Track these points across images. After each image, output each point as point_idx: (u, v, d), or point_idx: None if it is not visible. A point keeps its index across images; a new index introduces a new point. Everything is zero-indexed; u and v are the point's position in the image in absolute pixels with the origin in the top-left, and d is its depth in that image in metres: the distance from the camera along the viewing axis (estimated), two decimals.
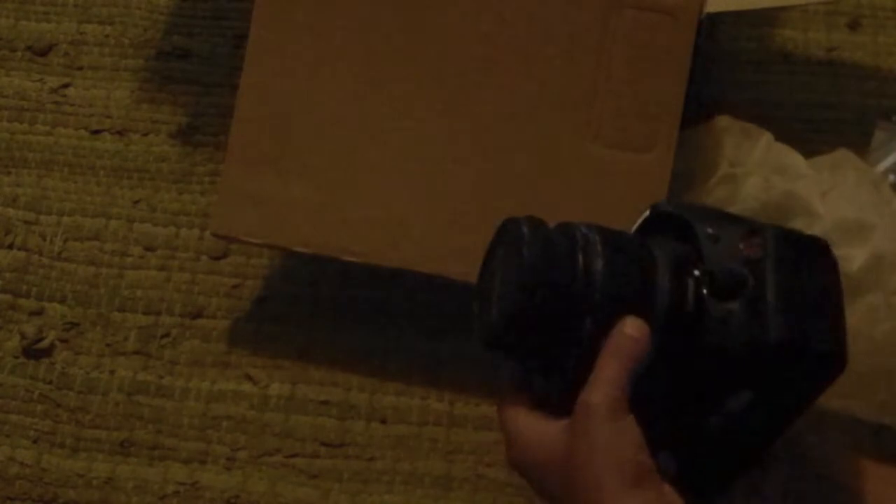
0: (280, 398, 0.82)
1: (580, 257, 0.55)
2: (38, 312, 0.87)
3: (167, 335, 0.86)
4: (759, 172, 0.79)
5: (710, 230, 0.56)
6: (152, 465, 0.81)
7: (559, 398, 0.56)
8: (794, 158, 0.80)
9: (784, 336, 0.53)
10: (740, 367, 0.53)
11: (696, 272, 0.55)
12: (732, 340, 0.53)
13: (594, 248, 0.55)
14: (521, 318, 0.55)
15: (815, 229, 0.76)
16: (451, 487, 0.78)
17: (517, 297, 0.55)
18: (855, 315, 0.72)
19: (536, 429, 0.56)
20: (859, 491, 0.71)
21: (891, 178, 0.83)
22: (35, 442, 0.82)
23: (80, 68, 1.00)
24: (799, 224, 0.76)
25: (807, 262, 0.55)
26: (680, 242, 0.57)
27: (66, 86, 0.99)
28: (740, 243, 0.55)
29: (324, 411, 0.82)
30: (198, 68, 0.99)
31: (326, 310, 0.86)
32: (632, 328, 0.54)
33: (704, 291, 0.54)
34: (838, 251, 0.75)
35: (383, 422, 0.81)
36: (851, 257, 0.74)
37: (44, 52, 1.01)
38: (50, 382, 0.84)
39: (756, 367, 0.53)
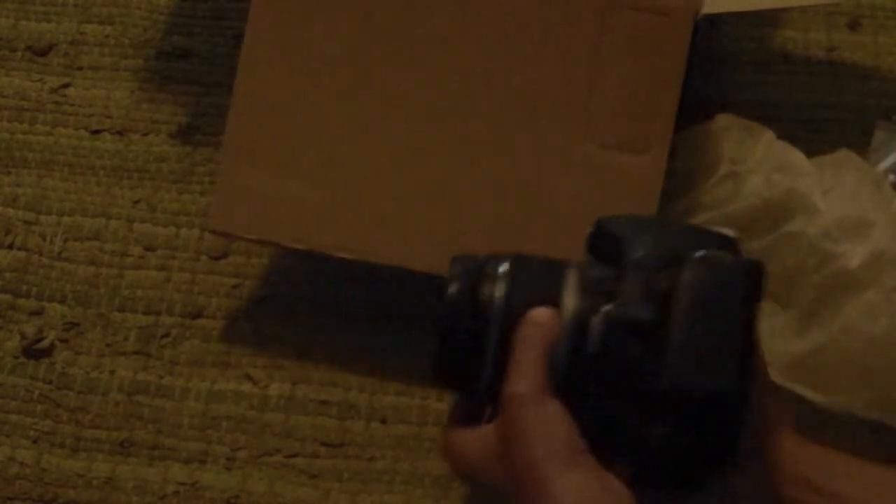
0: (280, 398, 0.82)
1: (486, 288, 0.58)
2: (38, 312, 0.87)
3: (167, 335, 0.86)
4: (761, 170, 0.79)
5: (638, 254, 0.55)
6: (152, 465, 0.81)
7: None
8: (795, 156, 0.80)
9: (675, 382, 0.52)
10: (642, 405, 0.53)
11: (605, 307, 0.55)
12: (631, 379, 0.53)
13: (502, 277, 0.58)
14: (440, 361, 0.60)
15: (816, 226, 0.76)
16: (451, 487, 0.78)
17: (436, 342, 0.59)
18: (854, 312, 0.73)
19: (473, 436, 0.58)
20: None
21: (891, 177, 0.83)
22: (35, 442, 0.82)
23: (80, 68, 1.00)
24: (800, 221, 0.77)
25: (720, 293, 0.54)
26: (607, 267, 0.56)
27: (66, 86, 0.99)
28: (660, 273, 0.54)
29: (324, 411, 0.82)
30: (198, 68, 0.99)
31: (326, 310, 0.85)
32: (538, 315, 0.56)
33: (607, 328, 0.54)
34: (839, 248, 0.75)
35: (383, 422, 0.81)
36: (851, 254, 0.74)
37: (44, 52, 1.01)
38: (50, 382, 0.84)
39: (656, 407, 0.53)
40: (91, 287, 0.88)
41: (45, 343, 0.86)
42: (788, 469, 0.57)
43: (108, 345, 0.86)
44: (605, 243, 0.58)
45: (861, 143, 0.86)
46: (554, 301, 0.56)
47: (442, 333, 0.59)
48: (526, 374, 0.55)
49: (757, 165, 0.79)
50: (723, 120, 0.82)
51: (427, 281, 0.79)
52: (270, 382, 0.83)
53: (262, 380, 0.83)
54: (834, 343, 0.73)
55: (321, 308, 0.86)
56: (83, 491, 0.80)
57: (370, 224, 0.79)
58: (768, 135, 0.81)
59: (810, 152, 0.82)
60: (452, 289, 0.59)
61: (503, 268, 0.58)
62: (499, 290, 0.58)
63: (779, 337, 0.76)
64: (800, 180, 0.78)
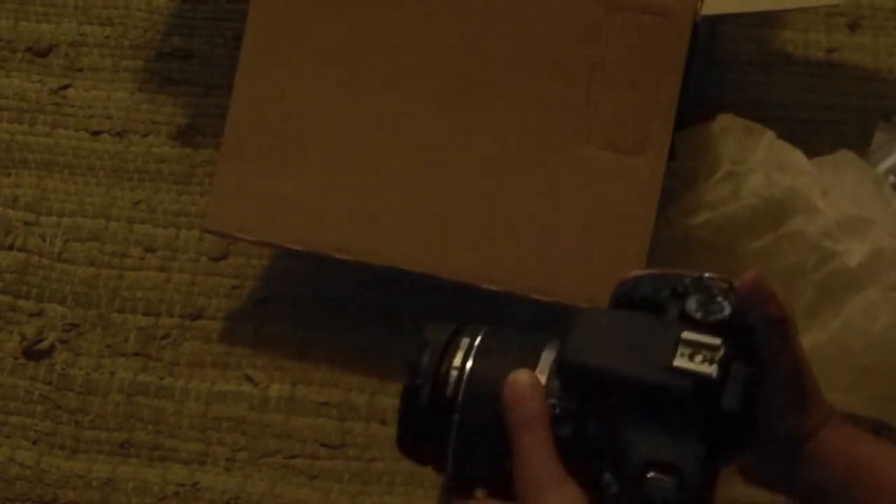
0: (280, 399, 0.82)
1: (453, 362, 0.55)
2: (38, 313, 0.87)
3: (167, 336, 0.86)
4: (761, 170, 0.79)
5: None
6: (152, 466, 0.80)
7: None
8: (795, 156, 0.80)
9: None
10: None
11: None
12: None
13: (469, 352, 0.55)
14: (404, 435, 0.56)
15: (816, 226, 0.76)
16: None
17: (399, 415, 0.56)
18: (854, 310, 0.73)
19: None
20: None
21: (891, 178, 0.83)
22: (35, 443, 0.82)
23: (81, 69, 1.00)
24: (800, 220, 0.77)
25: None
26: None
27: (66, 87, 0.99)
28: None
29: (324, 412, 0.82)
30: (198, 69, 0.99)
31: (326, 310, 0.85)
32: (522, 385, 0.52)
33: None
34: (838, 247, 0.75)
35: (383, 422, 0.81)
36: (851, 253, 0.74)
37: (44, 53, 1.01)
38: (50, 383, 0.84)
39: None
40: (91, 288, 0.88)
41: (45, 344, 0.86)
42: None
43: (108, 346, 0.86)
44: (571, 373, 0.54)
45: (861, 144, 0.86)
46: None
47: (405, 407, 0.56)
48: (537, 460, 0.51)
49: (757, 165, 0.79)
50: (723, 120, 0.82)
51: (427, 281, 0.79)
52: (270, 383, 0.83)
53: (262, 380, 0.83)
54: (834, 341, 0.73)
55: (321, 308, 0.86)
56: (83, 492, 0.80)
57: (369, 225, 0.79)
58: (768, 135, 0.81)
59: (810, 152, 0.82)
60: (419, 359, 0.56)
61: (471, 341, 0.56)
62: (464, 364, 0.55)
63: None
64: (800, 180, 0.78)
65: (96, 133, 0.96)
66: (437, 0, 0.79)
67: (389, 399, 0.82)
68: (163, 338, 0.86)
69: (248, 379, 0.83)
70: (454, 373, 0.55)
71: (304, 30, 0.81)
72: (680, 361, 0.49)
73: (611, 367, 0.51)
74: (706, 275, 0.53)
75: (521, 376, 0.52)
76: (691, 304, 0.52)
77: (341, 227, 0.79)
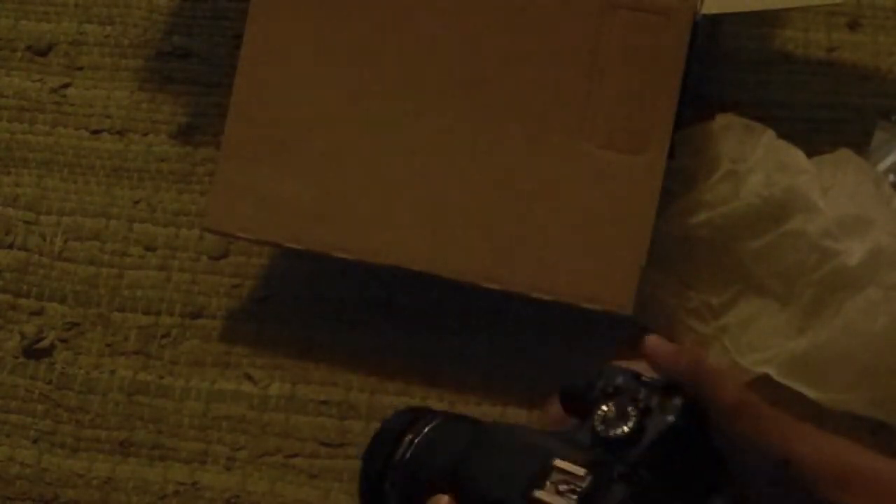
0: (280, 398, 0.82)
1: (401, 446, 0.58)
2: (38, 312, 0.87)
3: (167, 335, 0.86)
4: (761, 169, 0.79)
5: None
6: (152, 465, 0.80)
7: None
8: (795, 155, 0.80)
9: None
10: None
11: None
12: None
13: (415, 439, 0.58)
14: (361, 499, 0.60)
15: (816, 225, 0.76)
16: None
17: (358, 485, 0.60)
18: (854, 309, 0.73)
19: None
20: None
21: (891, 177, 0.83)
22: (35, 442, 0.82)
23: (80, 68, 1.00)
24: (800, 220, 0.77)
25: None
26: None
27: (66, 86, 0.99)
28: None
29: (324, 411, 0.82)
30: (198, 68, 0.99)
31: (326, 310, 0.85)
32: None
33: None
34: (838, 246, 0.75)
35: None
36: (851, 252, 0.74)
37: (44, 52, 1.01)
38: (50, 382, 0.84)
39: None
40: (91, 287, 0.88)
41: (45, 343, 0.86)
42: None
43: (108, 345, 0.86)
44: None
45: (861, 143, 0.86)
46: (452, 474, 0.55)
47: (361, 483, 0.60)
48: None
49: (757, 164, 0.79)
50: (723, 119, 0.82)
51: (427, 281, 0.79)
52: (270, 382, 0.83)
53: (262, 380, 0.83)
54: (833, 340, 0.73)
55: (321, 308, 0.86)
56: (83, 491, 0.80)
57: (369, 224, 0.79)
58: (768, 134, 0.81)
59: (810, 152, 0.81)
60: (378, 438, 0.59)
61: (413, 438, 0.58)
62: (402, 458, 0.57)
63: (779, 334, 0.76)
64: (800, 179, 0.78)
65: (96, 132, 0.96)
66: (437, 0, 0.79)
67: (389, 398, 0.82)
68: (163, 337, 0.86)
69: (249, 378, 0.83)
70: (390, 472, 0.58)
71: (304, 29, 0.81)
72: (541, 493, 0.50)
73: (487, 492, 0.52)
74: (647, 378, 0.53)
75: (439, 501, 0.53)
76: (598, 415, 0.52)
77: (341, 227, 0.79)
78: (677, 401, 0.52)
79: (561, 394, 0.56)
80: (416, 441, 0.58)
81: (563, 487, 0.50)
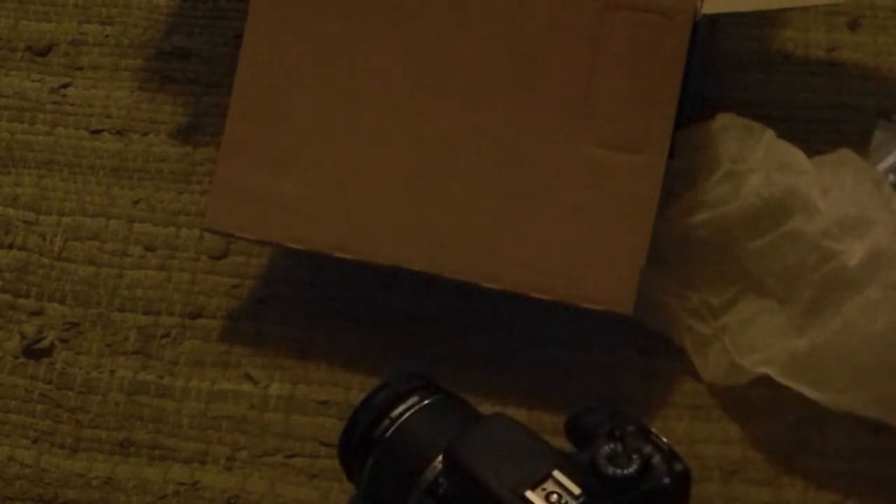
0: (280, 398, 0.82)
1: (391, 412, 0.66)
2: (38, 312, 0.87)
3: (167, 335, 0.86)
4: (761, 169, 0.79)
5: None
6: (152, 465, 0.80)
7: None
8: (795, 155, 0.80)
9: None
10: None
11: None
12: None
13: (402, 413, 0.64)
14: (340, 446, 0.69)
15: (816, 225, 0.76)
16: None
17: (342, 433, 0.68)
18: (854, 310, 0.72)
19: None
20: None
21: (891, 177, 0.83)
22: (35, 442, 0.82)
23: (80, 68, 1.00)
24: (800, 220, 0.77)
25: None
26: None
27: (66, 86, 0.99)
28: None
29: (324, 411, 0.82)
30: (198, 68, 0.99)
31: (326, 310, 0.85)
32: None
33: None
34: (838, 246, 0.75)
35: None
36: (851, 252, 0.74)
37: (44, 52, 1.01)
38: (50, 382, 0.84)
39: None
40: (91, 287, 0.88)
41: (45, 343, 0.86)
42: None
43: (108, 345, 0.86)
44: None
45: (861, 143, 0.86)
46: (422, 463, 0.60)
47: (347, 428, 0.67)
48: None
49: (757, 164, 0.79)
50: (723, 119, 0.82)
51: (427, 281, 0.79)
52: (270, 382, 0.83)
53: (262, 380, 0.83)
54: (833, 341, 0.73)
55: (321, 308, 0.86)
56: (83, 491, 0.80)
57: (369, 224, 0.79)
58: (768, 134, 0.81)
59: (810, 152, 0.81)
60: (373, 396, 0.66)
61: (419, 400, 0.64)
62: (400, 417, 0.64)
63: (778, 335, 0.76)
64: (800, 179, 0.78)
65: (96, 132, 0.96)
66: (437, 1, 0.79)
67: None
68: (163, 337, 0.86)
69: (249, 378, 0.83)
70: (387, 422, 0.65)
71: (304, 29, 0.81)
72: (532, 495, 0.53)
73: (477, 472, 0.55)
74: (655, 435, 0.56)
75: None
76: (604, 450, 0.54)
77: (341, 227, 0.79)
78: (678, 466, 0.55)
79: (569, 419, 0.58)
80: (404, 416, 0.64)
81: (553, 498, 0.53)
